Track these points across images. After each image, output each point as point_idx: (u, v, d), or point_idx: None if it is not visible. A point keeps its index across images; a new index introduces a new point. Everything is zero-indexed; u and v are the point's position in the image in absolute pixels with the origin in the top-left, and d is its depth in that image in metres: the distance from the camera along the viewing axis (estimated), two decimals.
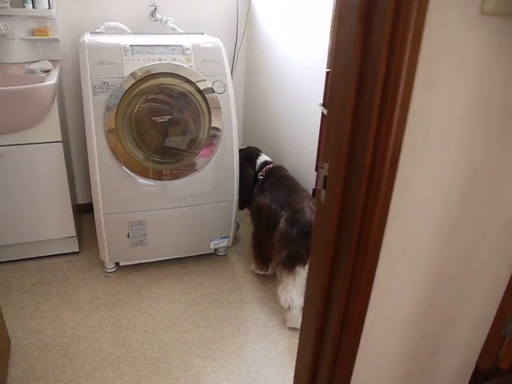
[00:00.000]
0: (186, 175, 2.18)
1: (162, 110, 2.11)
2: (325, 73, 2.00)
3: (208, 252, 2.50)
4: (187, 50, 2.18)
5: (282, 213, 2.04)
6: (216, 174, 2.26)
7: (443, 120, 0.84)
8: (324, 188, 0.97)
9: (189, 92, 2.12)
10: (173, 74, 2.09)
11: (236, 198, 2.36)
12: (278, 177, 2.28)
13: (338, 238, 0.95)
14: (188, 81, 2.11)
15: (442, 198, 0.93)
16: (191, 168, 2.18)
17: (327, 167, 0.94)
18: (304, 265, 1.95)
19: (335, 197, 0.91)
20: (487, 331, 1.24)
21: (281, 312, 2.15)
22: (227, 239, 2.45)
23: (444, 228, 0.98)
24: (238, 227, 2.63)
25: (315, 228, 1.05)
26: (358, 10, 0.76)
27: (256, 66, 2.83)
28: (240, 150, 2.41)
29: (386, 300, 1.01)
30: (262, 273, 2.40)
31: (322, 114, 2.04)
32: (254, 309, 2.20)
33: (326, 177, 0.96)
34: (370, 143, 0.81)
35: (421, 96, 0.79)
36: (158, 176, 2.14)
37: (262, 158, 2.45)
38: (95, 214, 2.16)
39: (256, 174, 2.40)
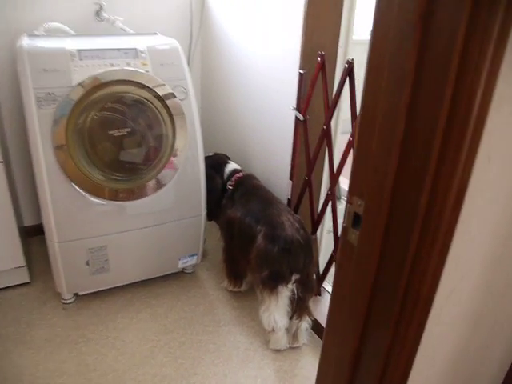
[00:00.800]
0: (147, 195, 1.93)
1: (119, 122, 1.86)
2: (297, 74, 1.83)
3: (175, 271, 2.27)
4: (142, 53, 1.93)
5: (258, 227, 1.85)
6: (181, 188, 2.03)
7: (506, 144, 0.69)
8: (353, 226, 0.80)
9: (146, 99, 1.88)
10: (128, 80, 1.84)
11: (204, 212, 2.14)
12: (250, 187, 2.09)
13: (375, 288, 0.78)
14: (145, 87, 1.87)
15: (492, 231, 0.78)
16: (155, 184, 1.95)
17: (359, 203, 0.77)
18: (287, 284, 1.78)
19: (374, 241, 0.74)
20: None
21: (261, 332, 1.98)
22: (196, 257, 2.23)
23: (490, 264, 0.83)
24: (204, 240, 2.42)
25: (339, 275, 0.87)
26: (416, 14, 0.58)
27: (214, 67, 2.61)
28: (206, 158, 2.20)
29: (427, 349, 0.85)
30: (235, 290, 2.20)
31: (296, 118, 1.87)
32: (231, 331, 2.01)
33: (356, 214, 0.78)
34: (429, 178, 0.63)
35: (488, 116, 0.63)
36: (119, 196, 1.89)
37: (231, 165, 2.24)
38: (48, 242, 1.88)
39: (224, 184, 2.19)
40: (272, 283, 1.79)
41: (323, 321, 1.97)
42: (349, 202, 0.79)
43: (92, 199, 1.85)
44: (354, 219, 0.79)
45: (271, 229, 1.81)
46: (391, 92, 0.65)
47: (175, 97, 1.92)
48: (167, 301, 2.15)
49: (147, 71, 1.90)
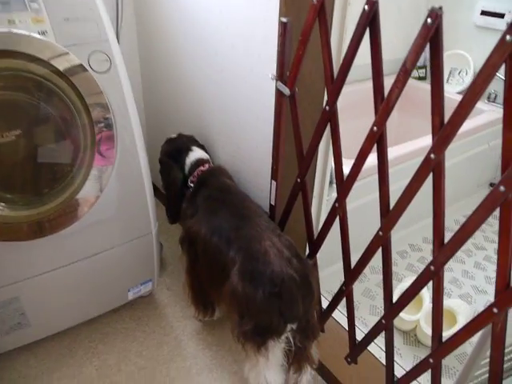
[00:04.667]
0: (71, 222, 1.26)
1: (5, 119, 1.14)
2: (277, 24, 1.12)
3: (125, 302, 1.63)
4: (33, 2, 1.18)
5: (231, 254, 1.22)
6: (119, 197, 1.36)
7: None
8: None
9: (42, 78, 1.16)
10: (9, 51, 1.11)
11: (155, 229, 1.48)
12: (216, 188, 1.42)
13: None
14: (37, 60, 1.14)
15: None
16: (82, 203, 1.26)
17: None
18: (279, 336, 1.18)
19: None
20: None
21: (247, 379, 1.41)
22: (151, 283, 1.59)
23: None
24: (161, 247, 1.79)
25: None
26: None
27: (155, 20, 1.79)
28: (166, 142, 1.59)
29: None
30: (206, 319, 1.60)
31: (279, 91, 1.18)
32: (209, 382, 1.43)
33: None
34: None
35: None
36: (36, 231, 1.21)
37: (194, 153, 1.54)
38: None
39: (186, 178, 1.52)
40: (258, 338, 1.18)
41: (329, 363, 1.40)
42: None
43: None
44: None
45: (250, 261, 1.17)
46: None
47: (86, 70, 1.19)
48: (118, 344, 1.54)
49: (44, 32, 1.16)
